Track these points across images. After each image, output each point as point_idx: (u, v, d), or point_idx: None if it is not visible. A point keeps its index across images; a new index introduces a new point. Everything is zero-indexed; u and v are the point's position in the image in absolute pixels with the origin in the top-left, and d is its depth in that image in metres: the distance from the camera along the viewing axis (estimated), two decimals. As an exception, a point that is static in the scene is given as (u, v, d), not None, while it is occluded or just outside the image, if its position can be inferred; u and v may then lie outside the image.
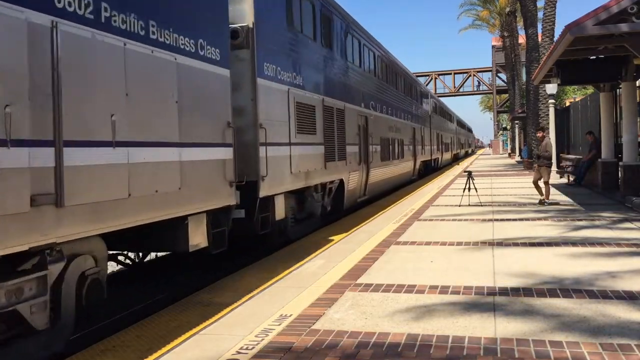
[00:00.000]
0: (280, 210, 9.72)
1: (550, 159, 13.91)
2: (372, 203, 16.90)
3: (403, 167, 22.41)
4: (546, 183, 13.68)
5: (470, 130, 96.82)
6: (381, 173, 17.95)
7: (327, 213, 12.87)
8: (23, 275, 4.56)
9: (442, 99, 55.39)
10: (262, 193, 8.74)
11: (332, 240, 9.86)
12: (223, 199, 7.52)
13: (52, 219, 4.62)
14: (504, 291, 5.92)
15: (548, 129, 22.77)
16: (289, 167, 9.87)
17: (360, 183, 15.42)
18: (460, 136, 63.64)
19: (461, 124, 67.19)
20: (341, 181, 13.41)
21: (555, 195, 15.92)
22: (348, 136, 13.96)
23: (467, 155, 75.05)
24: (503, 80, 69.34)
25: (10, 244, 4.23)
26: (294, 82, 10.46)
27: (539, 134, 15.11)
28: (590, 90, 27.95)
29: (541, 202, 13.54)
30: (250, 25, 8.69)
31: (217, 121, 7.40)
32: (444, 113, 44.42)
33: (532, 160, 28.55)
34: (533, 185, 14.05)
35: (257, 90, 8.76)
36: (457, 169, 35.09)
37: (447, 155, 44.72)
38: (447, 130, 44.90)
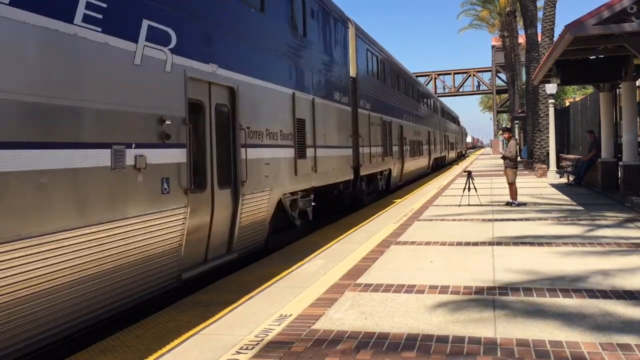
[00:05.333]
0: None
1: (514, 160, 13.90)
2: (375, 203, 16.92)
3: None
4: (512, 184, 13.68)
5: (456, 121, 61.31)
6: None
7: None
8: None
9: (442, 99, 54.65)
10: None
11: (332, 240, 9.85)
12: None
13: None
14: (504, 291, 5.92)
15: (514, 130, 23.05)
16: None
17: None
18: (432, 129, 35.00)
19: (423, 99, 33.04)
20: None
21: (555, 195, 15.94)
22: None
23: (443, 163, 42.70)
24: (503, 80, 69.35)
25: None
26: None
27: (505, 135, 14.65)
28: (590, 90, 27.96)
29: (508, 203, 13.55)
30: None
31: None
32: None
33: (532, 160, 28.59)
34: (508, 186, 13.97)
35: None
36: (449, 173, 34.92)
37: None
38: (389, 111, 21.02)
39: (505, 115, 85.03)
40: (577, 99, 30.90)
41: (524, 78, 39.28)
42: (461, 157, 67.18)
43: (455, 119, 58.93)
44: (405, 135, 23.63)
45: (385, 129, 19.50)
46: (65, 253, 4.98)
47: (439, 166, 39.82)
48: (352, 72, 15.74)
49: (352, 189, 15.21)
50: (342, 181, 13.99)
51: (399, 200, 15.70)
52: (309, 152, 11.35)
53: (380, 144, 18.35)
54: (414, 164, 26.07)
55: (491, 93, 77.36)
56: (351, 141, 14.73)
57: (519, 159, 23.88)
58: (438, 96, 55.49)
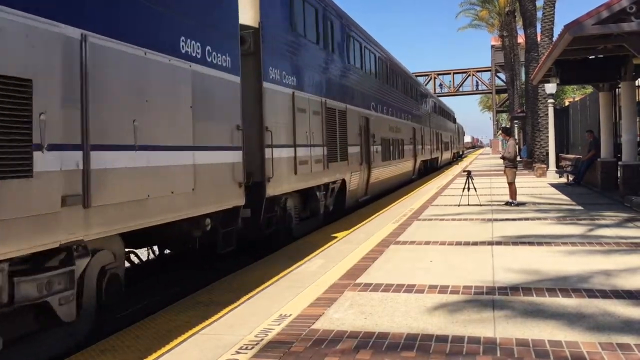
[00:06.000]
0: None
1: (513, 160, 13.93)
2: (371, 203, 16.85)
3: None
4: (511, 184, 13.73)
5: (452, 118, 53.73)
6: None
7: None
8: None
9: (442, 99, 54.34)
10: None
11: (332, 240, 9.86)
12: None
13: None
14: (503, 290, 5.93)
15: (513, 130, 22.01)
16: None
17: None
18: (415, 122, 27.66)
19: (407, 89, 26.56)
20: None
21: (554, 194, 15.95)
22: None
23: (435, 166, 36.26)
24: (502, 80, 69.39)
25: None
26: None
27: (503, 137, 14.86)
28: (589, 89, 27.99)
29: (507, 203, 13.58)
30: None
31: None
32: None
33: (532, 159, 28.61)
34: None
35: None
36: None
37: None
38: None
39: (504, 115, 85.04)
40: (576, 99, 30.92)
41: (523, 78, 39.34)
42: (458, 158, 60.42)
43: (450, 116, 52.31)
44: (374, 131, 17.22)
45: (334, 120, 12.98)
46: None
47: (431, 169, 33.64)
48: (251, 19, 9.40)
49: (252, 224, 9.01)
50: (209, 214, 7.37)
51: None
52: (63, 160, 4.87)
53: (321, 143, 11.84)
54: (389, 170, 19.74)
55: (490, 93, 77.41)
56: (239, 138, 8.08)
57: (518, 158, 23.89)
58: (438, 96, 55.09)
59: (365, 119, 16.47)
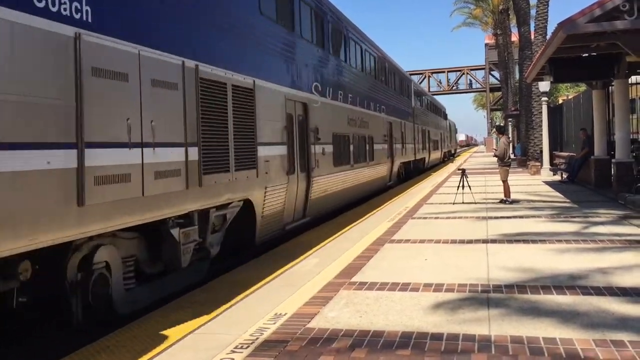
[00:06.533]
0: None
1: (502, 158, 14.04)
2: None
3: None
4: (504, 182, 13.90)
5: (442, 114, 48.19)
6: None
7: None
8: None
9: (436, 97, 53.99)
10: None
11: (327, 239, 9.86)
12: None
13: None
14: (498, 288, 5.94)
15: (508, 129, 21.84)
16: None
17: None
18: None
19: (379, 73, 21.06)
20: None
21: (548, 192, 16.01)
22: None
23: (421, 167, 31.75)
24: (496, 78, 69.52)
25: None
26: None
27: (497, 135, 15.00)
28: (583, 87, 28.09)
29: (502, 201, 13.72)
30: None
31: None
32: None
33: (526, 157, 28.69)
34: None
35: None
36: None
37: None
38: None
39: (499, 113, 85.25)
40: (570, 97, 31.03)
41: (517, 76, 39.44)
42: (450, 157, 54.74)
43: (440, 111, 45.75)
44: (318, 123, 12.24)
45: (222, 101, 7.75)
46: None
47: (416, 172, 28.77)
48: None
49: None
50: None
51: (393, 199, 11.31)
52: None
53: (182, 141, 6.67)
54: (347, 178, 14.71)
55: (485, 91, 77.54)
56: None
57: (512, 157, 23.91)
58: (432, 94, 54.78)
59: (302, 106, 11.47)
